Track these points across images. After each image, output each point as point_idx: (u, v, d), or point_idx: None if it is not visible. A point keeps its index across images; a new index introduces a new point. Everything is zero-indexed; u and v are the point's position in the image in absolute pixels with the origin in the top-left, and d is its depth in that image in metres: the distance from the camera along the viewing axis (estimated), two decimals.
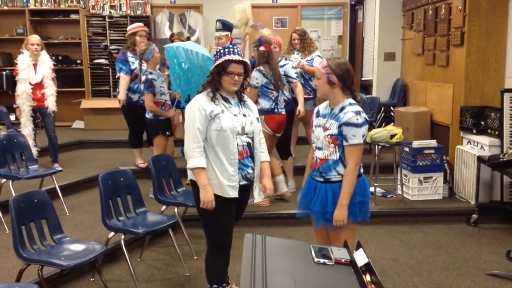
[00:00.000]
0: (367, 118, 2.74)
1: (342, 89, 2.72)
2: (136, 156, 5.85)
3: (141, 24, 5.90)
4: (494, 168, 4.52)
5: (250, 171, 2.91)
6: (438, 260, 3.99)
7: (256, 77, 4.59)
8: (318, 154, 2.79)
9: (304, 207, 2.89)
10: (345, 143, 2.68)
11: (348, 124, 2.65)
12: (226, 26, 5.45)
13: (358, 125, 2.65)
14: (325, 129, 2.73)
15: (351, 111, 2.67)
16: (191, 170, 2.86)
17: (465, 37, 5.26)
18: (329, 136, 2.70)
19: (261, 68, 4.60)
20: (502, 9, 5.13)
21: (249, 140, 2.91)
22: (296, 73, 5.13)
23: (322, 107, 2.87)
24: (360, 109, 2.71)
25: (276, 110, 4.73)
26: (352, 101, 2.74)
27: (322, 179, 2.78)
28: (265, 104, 4.68)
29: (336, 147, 2.70)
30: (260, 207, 4.81)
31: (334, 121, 2.71)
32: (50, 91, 5.66)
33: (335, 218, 2.68)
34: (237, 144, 2.83)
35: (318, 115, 2.86)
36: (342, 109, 2.70)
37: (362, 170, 2.80)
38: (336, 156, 2.72)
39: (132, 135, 5.80)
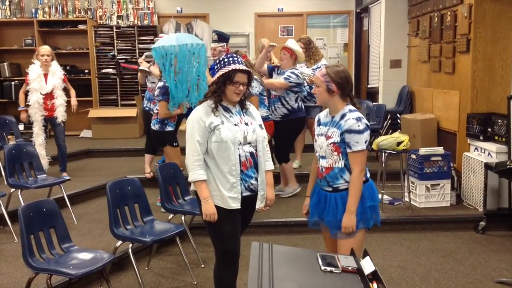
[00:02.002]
0: (368, 124, 2.73)
1: (341, 96, 2.73)
2: (146, 162, 5.86)
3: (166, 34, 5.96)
4: (502, 175, 4.50)
5: (253, 181, 2.89)
6: (446, 268, 3.97)
7: (255, 86, 4.66)
8: (323, 163, 2.78)
9: (315, 217, 2.87)
10: (348, 150, 2.67)
11: (350, 131, 2.65)
12: (222, 38, 5.48)
13: (360, 132, 2.65)
14: (328, 137, 2.73)
15: (352, 117, 2.67)
16: (192, 183, 2.88)
17: (471, 44, 5.27)
18: (331, 145, 2.70)
19: (255, 76, 4.66)
20: (507, 16, 5.13)
21: (253, 150, 2.88)
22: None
23: (323, 116, 2.87)
24: (360, 115, 2.71)
25: (271, 116, 4.94)
26: (352, 107, 2.74)
27: (330, 189, 2.77)
28: (262, 112, 4.78)
29: (340, 155, 2.70)
30: (267, 214, 4.79)
31: (335, 129, 2.71)
32: (60, 101, 5.73)
33: (344, 225, 2.67)
34: (239, 155, 2.81)
35: (319, 124, 2.86)
36: (342, 116, 2.70)
37: (368, 175, 2.79)
38: (341, 164, 2.71)
39: (149, 142, 5.82)
